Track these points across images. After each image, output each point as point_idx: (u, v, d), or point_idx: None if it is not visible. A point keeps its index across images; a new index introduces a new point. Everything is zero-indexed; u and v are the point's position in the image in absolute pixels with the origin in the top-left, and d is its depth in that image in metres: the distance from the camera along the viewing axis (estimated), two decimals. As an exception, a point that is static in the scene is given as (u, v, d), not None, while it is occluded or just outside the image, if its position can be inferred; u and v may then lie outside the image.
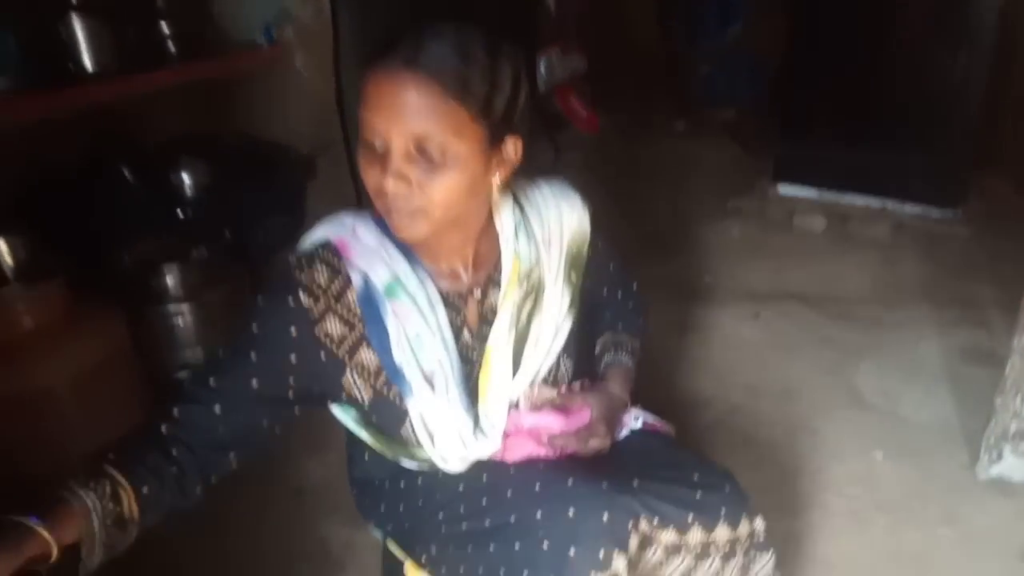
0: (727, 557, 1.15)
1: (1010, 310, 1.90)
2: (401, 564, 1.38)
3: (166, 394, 1.10)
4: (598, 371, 1.35)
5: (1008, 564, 1.73)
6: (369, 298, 1.11)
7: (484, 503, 1.13)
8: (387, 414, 1.15)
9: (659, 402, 1.42)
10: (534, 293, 1.19)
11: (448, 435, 1.14)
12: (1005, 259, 3.01)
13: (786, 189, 3.59)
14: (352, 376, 1.13)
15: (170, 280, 2.24)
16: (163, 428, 1.03)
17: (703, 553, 1.14)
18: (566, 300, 1.23)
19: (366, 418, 1.18)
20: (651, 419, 1.35)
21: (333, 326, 1.11)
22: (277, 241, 2.45)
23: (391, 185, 1.01)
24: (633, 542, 1.06)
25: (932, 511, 1.89)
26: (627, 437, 1.29)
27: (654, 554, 1.12)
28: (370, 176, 1.04)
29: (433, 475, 1.21)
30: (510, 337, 1.17)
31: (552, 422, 1.22)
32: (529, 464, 1.18)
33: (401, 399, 1.13)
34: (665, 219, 3.55)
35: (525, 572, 1.04)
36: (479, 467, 1.19)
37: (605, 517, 1.03)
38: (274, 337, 1.09)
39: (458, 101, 0.99)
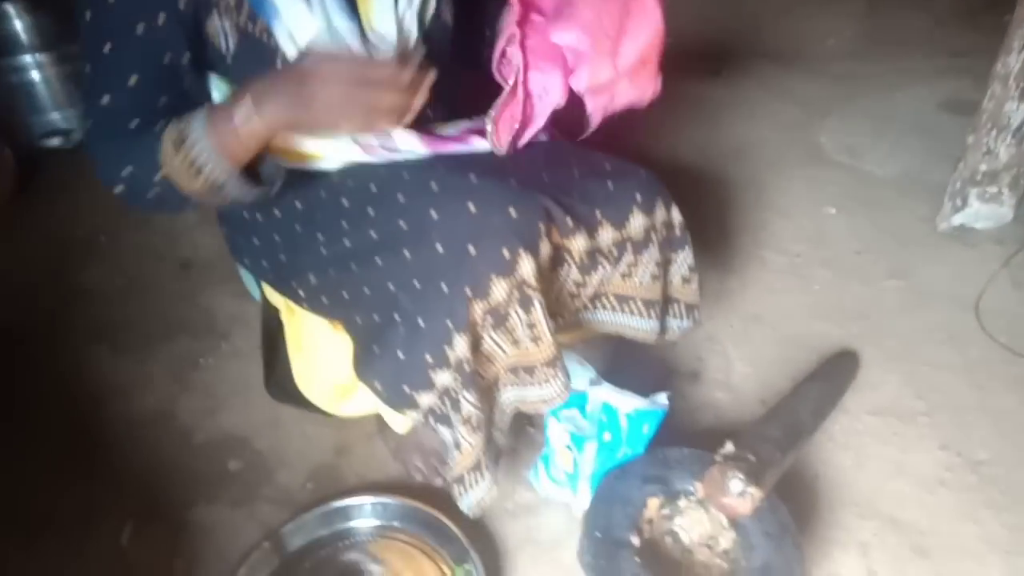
0: (640, 247, 1.03)
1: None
2: (279, 314, 1.24)
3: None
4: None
5: (954, 315, 1.58)
6: None
7: (371, 213, 0.96)
8: (257, 60, 0.93)
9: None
10: None
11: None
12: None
13: (768, -67, 3.11)
14: (217, 18, 0.92)
15: (20, 25, 1.90)
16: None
17: (618, 255, 1.02)
18: None
19: (235, 79, 0.96)
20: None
21: None
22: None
23: None
24: (544, 249, 0.91)
25: (881, 265, 1.72)
26: (534, 143, 1.10)
27: (569, 273, 0.99)
28: None
29: (314, 194, 1.02)
30: None
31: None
32: (429, 166, 0.99)
33: (269, 34, 0.91)
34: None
35: (417, 284, 0.90)
36: (368, 175, 0.99)
37: (511, 212, 0.88)
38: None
39: None
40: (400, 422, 1.20)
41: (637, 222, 1.01)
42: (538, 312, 0.90)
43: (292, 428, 1.39)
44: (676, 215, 1.07)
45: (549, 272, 0.96)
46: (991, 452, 1.31)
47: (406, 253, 0.91)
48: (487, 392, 0.98)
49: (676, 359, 1.51)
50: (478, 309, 0.89)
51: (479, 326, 0.90)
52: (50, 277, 1.75)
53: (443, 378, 0.92)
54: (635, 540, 1.03)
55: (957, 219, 1.74)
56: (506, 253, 0.87)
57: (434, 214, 0.90)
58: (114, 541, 1.20)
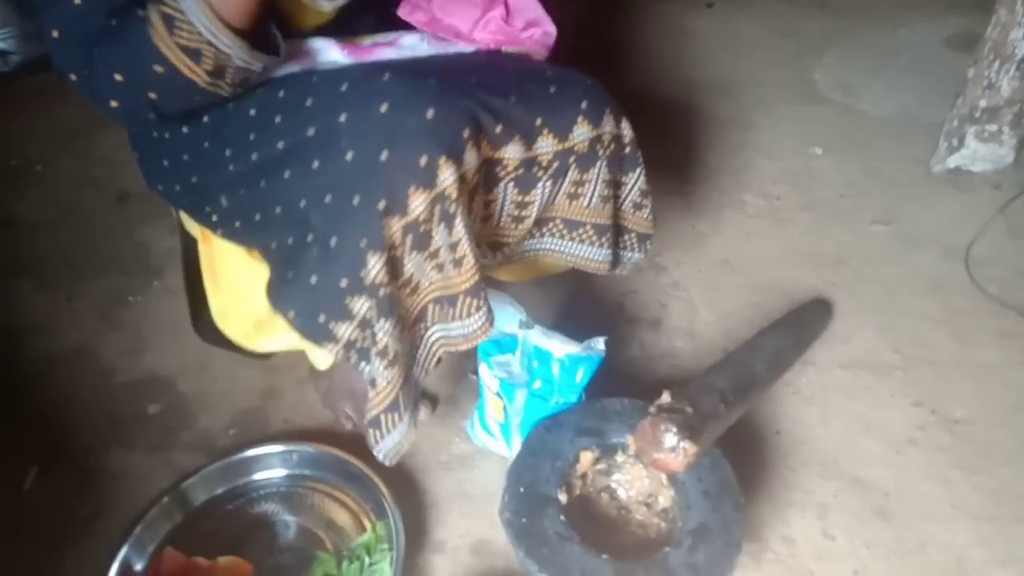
0: (586, 162, 0.92)
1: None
2: (196, 243, 1.14)
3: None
4: None
5: (942, 263, 1.46)
6: None
7: (278, 121, 0.86)
8: None
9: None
10: None
11: None
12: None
13: None
14: None
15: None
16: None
17: (560, 169, 0.91)
18: None
19: None
20: None
21: None
22: None
23: None
24: (470, 158, 0.81)
25: (867, 209, 1.59)
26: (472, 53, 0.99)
27: (507, 193, 0.89)
28: None
29: (221, 106, 0.92)
30: None
31: None
32: (343, 69, 0.89)
33: None
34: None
35: (328, 198, 0.80)
36: (278, 81, 0.89)
37: (429, 114, 0.79)
38: None
39: None
40: (321, 357, 1.10)
41: (582, 132, 0.90)
42: (460, 229, 0.80)
43: (220, 370, 1.30)
44: (627, 129, 0.96)
45: (483, 191, 0.86)
46: (969, 410, 1.21)
47: (315, 164, 0.81)
48: (412, 327, 0.88)
49: (637, 305, 1.40)
50: (395, 225, 0.79)
51: (397, 246, 0.80)
52: (-20, 207, 1.66)
53: (361, 305, 0.83)
54: (562, 496, 0.94)
55: (952, 161, 1.61)
56: (423, 160, 0.77)
57: (343, 117, 0.80)
58: (16, 485, 1.12)
